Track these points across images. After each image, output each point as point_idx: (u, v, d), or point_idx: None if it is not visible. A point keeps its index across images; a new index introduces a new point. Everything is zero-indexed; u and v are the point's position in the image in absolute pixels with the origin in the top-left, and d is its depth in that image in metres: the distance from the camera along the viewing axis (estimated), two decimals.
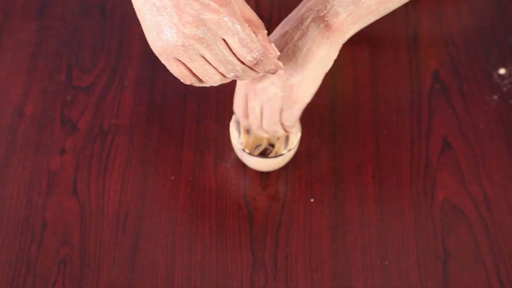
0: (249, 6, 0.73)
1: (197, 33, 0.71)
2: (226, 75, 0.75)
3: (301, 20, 0.79)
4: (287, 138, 0.89)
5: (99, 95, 0.95)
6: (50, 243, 0.85)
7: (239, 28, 0.71)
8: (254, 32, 0.72)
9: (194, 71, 0.74)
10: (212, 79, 0.74)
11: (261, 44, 0.73)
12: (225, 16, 0.70)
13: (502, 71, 0.98)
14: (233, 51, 0.73)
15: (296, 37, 0.79)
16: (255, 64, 0.74)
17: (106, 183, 0.89)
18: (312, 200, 0.88)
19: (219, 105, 0.95)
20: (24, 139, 0.92)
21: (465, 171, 0.90)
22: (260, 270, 0.84)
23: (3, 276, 0.83)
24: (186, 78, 0.75)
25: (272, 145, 0.91)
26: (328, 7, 0.78)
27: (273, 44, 0.74)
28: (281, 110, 0.82)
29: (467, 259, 0.85)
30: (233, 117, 0.89)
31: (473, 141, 0.92)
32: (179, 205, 0.88)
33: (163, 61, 0.75)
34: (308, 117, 0.93)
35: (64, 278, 0.83)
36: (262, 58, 0.73)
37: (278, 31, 0.81)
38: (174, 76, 0.97)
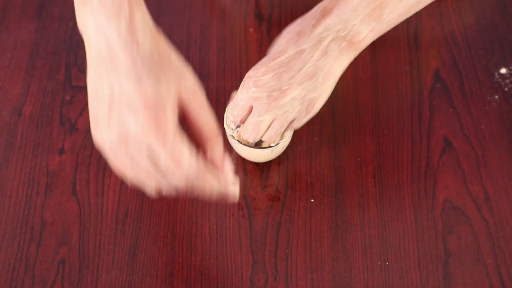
0: (205, 103, 0.69)
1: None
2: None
3: (319, 40, 0.78)
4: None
5: None
6: (49, 244, 0.85)
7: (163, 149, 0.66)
8: (202, 146, 0.69)
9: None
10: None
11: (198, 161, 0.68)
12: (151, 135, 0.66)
13: (503, 70, 0.97)
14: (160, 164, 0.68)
15: (315, 57, 0.78)
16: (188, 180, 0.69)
17: (105, 183, 0.89)
18: (312, 200, 0.88)
19: (219, 105, 0.95)
20: (23, 139, 0.92)
21: (466, 171, 0.90)
22: (260, 271, 0.84)
23: (2, 277, 0.83)
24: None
25: None
26: (349, 27, 0.77)
27: (227, 161, 0.70)
28: (292, 121, 0.81)
29: (468, 259, 0.85)
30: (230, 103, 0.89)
31: (474, 141, 0.92)
32: (179, 205, 0.88)
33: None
34: None
35: (63, 278, 0.83)
36: (194, 176, 0.68)
37: (291, 47, 0.78)
38: None
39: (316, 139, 0.92)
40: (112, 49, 0.65)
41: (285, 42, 0.81)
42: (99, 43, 0.66)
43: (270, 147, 0.86)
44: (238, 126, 0.91)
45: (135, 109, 0.65)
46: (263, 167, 0.91)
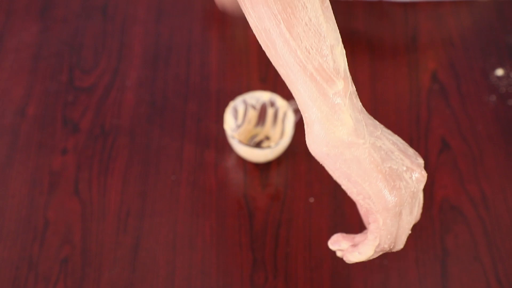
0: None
1: (424, 174, 0.65)
2: (405, 238, 0.68)
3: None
4: (282, 132, 0.90)
5: (101, 96, 0.96)
6: (52, 243, 0.86)
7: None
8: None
9: (401, 230, 0.66)
10: (403, 243, 0.68)
11: None
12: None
13: (500, 72, 0.98)
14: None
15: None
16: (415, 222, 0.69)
17: (108, 183, 0.90)
18: (312, 199, 0.89)
19: (219, 105, 0.95)
20: (26, 139, 0.92)
21: (463, 170, 0.91)
22: (260, 269, 0.84)
23: (6, 275, 0.83)
24: (392, 240, 0.66)
25: (268, 138, 0.92)
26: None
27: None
28: None
29: (465, 258, 0.85)
30: (231, 103, 0.89)
31: (472, 141, 0.93)
32: (180, 204, 0.88)
33: (390, 217, 0.65)
34: None
35: (66, 277, 0.83)
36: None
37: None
38: (174, 76, 0.98)
39: None
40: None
41: None
42: None
43: (270, 147, 0.87)
44: (239, 126, 0.92)
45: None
46: (263, 167, 0.91)
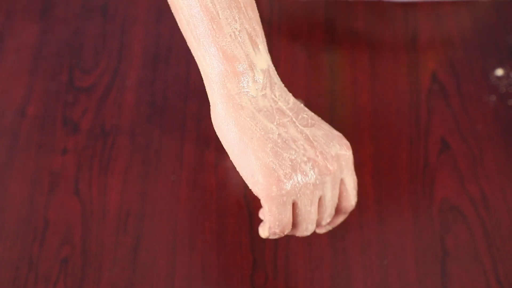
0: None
1: (331, 168, 0.66)
2: (322, 223, 0.71)
3: None
4: None
5: (101, 96, 0.96)
6: (51, 243, 0.86)
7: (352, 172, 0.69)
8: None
9: (300, 218, 0.68)
10: (306, 230, 0.69)
11: None
12: (351, 154, 0.68)
13: (500, 72, 0.98)
14: (343, 194, 0.70)
15: None
16: (345, 212, 0.72)
17: (108, 183, 0.90)
18: None
19: None
20: (26, 139, 0.92)
21: (463, 171, 0.91)
22: (260, 269, 0.84)
23: (5, 275, 0.83)
24: (284, 228, 0.68)
25: None
26: None
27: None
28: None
29: (465, 258, 0.85)
30: None
31: (472, 141, 0.93)
32: (180, 204, 0.88)
33: (274, 205, 0.66)
34: None
35: (66, 277, 0.83)
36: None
37: None
38: (174, 76, 0.98)
39: None
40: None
41: None
42: None
43: None
44: None
45: (339, 136, 0.68)
46: None
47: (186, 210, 0.88)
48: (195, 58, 0.68)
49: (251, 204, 0.89)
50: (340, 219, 0.76)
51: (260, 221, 0.87)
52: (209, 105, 0.95)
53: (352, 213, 0.88)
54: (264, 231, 0.70)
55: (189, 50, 0.99)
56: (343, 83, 0.97)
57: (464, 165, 0.91)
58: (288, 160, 0.64)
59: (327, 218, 0.72)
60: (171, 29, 1.01)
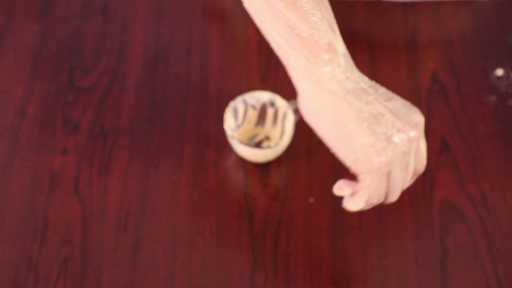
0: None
1: (415, 135, 0.70)
2: (404, 187, 0.74)
3: None
4: (282, 132, 0.91)
5: (101, 96, 0.96)
6: (52, 243, 0.86)
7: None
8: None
9: (393, 185, 0.72)
10: (396, 196, 0.74)
11: None
12: (423, 119, 0.72)
13: (499, 72, 0.98)
14: (418, 157, 0.74)
15: None
16: (417, 173, 0.75)
17: (108, 183, 0.90)
18: (312, 199, 0.89)
19: (219, 105, 0.95)
20: (26, 139, 0.93)
21: (463, 171, 0.91)
22: (260, 269, 0.85)
23: (6, 275, 0.84)
24: (381, 197, 0.73)
25: (268, 138, 0.93)
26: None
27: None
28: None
29: (465, 258, 0.85)
30: (231, 103, 0.90)
31: (471, 142, 0.93)
32: (180, 204, 0.89)
33: (376, 177, 0.71)
34: None
35: (66, 277, 0.84)
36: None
37: None
38: (174, 76, 0.98)
39: (316, 139, 0.93)
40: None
41: None
42: None
43: (270, 147, 0.87)
44: (239, 126, 0.92)
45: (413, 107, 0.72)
46: (263, 167, 0.91)
47: (186, 210, 0.88)
48: (279, 53, 0.70)
49: (251, 204, 0.89)
50: (413, 180, 0.78)
51: (261, 220, 0.87)
52: (209, 105, 0.96)
53: (352, 213, 0.88)
54: (358, 204, 0.74)
55: (189, 50, 1.00)
56: None
57: (464, 165, 0.91)
58: (382, 134, 0.69)
59: (409, 181, 0.76)
60: (171, 30, 1.01)
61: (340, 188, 0.76)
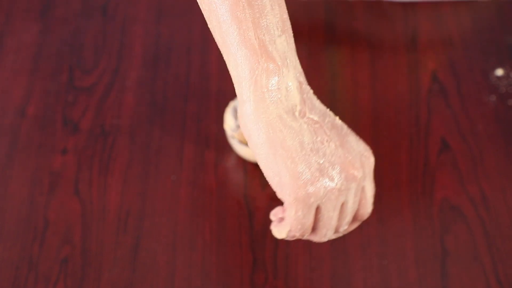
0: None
1: (357, 175, 0.65)
2: (339, 230, 0.69)
3: None
4: None
5: (101, 96, 0.96)
6: (52, 243, 0.86)
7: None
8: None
9: (321, 223, 0.67)
10: (325, 236, 0.68)
11: None
12: (373, 161, 0.67)
13: (500, 72, 0.98)
14: (361, 201, 0.69)
15: None
16: (360, 219, 0.71)
17: (108, 183, 0.90)
18: None
19: (219, 105, 0.95)
20: (26, 139, 0.93)
21: (463, 171, 0.91)
22: (260, 269, 0.85)
23: (5, 275, 0.84)
24: (304, 231, 0.67)
25: None
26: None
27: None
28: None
29: (465, 258, 0.85)
30: (230, 103, 0.90)
31: (471, 141, 0.93)
32: (180, 204, 0.89)
33: (301, 208, 0.65)
34: None
35: (66, 277, 0.84)
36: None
37: None
38: (174, 76, 0.98)
39: None
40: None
41: None
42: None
43: None
44: (239, 126, 0.92)
45: (364, 144, 0.68)
46: None
47: (186, 210, 0.88)
48: (225, 56, 0.65)
49: (251, 204, 0.89)
50: (354, 226, 0.74)
51: (261, 220, 0.87)
52: (209, 105, 0.96)
53: None
54: (281, 233, 0.68)
55: (189, 50, 1.00)
56: (343, 83, 0.97)
57: (464, 165, 0.91)
58: (315, 164, 0.63)
59: (345, 225, 0.71)
60: (171, 29, 1.01)
61: (275, 214, 0.70)
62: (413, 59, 0.99)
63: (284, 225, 0.67)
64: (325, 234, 0.69)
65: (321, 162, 0.63)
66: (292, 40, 0.65)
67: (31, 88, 0.96)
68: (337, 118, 0.67)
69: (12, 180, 0.90)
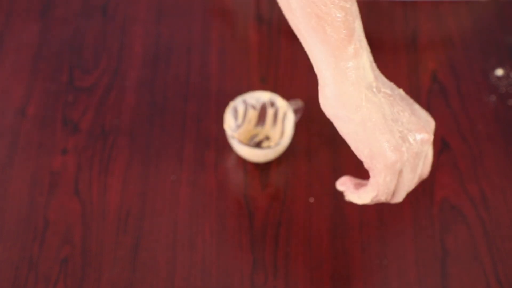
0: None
1: (430, 138, 0.71)
2: (409, 190, 0.75)
3: None
4: (282, 132, 0.91)
5: (101, 96, 0.96)
6: (52, 243, 0.86)
7: None
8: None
9: (401, 185, 0.72)
10: (402, 197, 0.74)
11: None
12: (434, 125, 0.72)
13: (499, 72, 0.98)
14: (425, 162, 0.75)
15: None
16: (421, 179, 0.76)
17: (108, 183, 0.90)
18: (312, 199, 0.89)
19: (219, 105, 0.95)
20: (26, 139, 0.93)
21: (463, 171, 0.91)
22: (260, 269, 0.85)
23: (6, 275, 0.84)
24: (389, 195, 0.72)
25: (268, 138, 0.93)
26: None
27: None
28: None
29: (465, 258, 0.85)
30: (231, 103, 0.90)
31: (471, 141, 0.93)
32: (180, 204, 0.89)
33: (390, 174, 0.71)
34: (309, 116, 0.94)
35: (66, 277, 0.84)
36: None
37: None
38: (174, 76, 0.98)
39: (316, 138, 0.93)
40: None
41: None
42: None
43: (270, 147, 0.87)
44: (239, 126, 0.92)
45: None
46: (263, 167, 0.91)
47: (186, 210, 0.88)
48: (304, 43, 0.69)
49: (251, 204, 0.89)
50: (416, 184, 0.78)
51: (261, 220, 0.88)
52: (209, 105, 0.96)
53: (352, 213, 0.88)
54: (363, 199, 0.74)
55: (189, 50, 1.00)
56: None
57: (464, 165, 0.91)
58: (397, 132, 0.69)
59: (414, 185, 0.75)
60: (171, 29, 1.01)
61: (344, 183, 0.76)
62: (413, 59, 0.99)
63: (369, 190, 0.72)
64: (402, 195, 0.74)
65: (401, 130, 0.70)
66: (361, 22, 0.70)
67: (31, 88, 0.96)
68: (401, 90, 0.73)
69: (12, 180, 0.90)
